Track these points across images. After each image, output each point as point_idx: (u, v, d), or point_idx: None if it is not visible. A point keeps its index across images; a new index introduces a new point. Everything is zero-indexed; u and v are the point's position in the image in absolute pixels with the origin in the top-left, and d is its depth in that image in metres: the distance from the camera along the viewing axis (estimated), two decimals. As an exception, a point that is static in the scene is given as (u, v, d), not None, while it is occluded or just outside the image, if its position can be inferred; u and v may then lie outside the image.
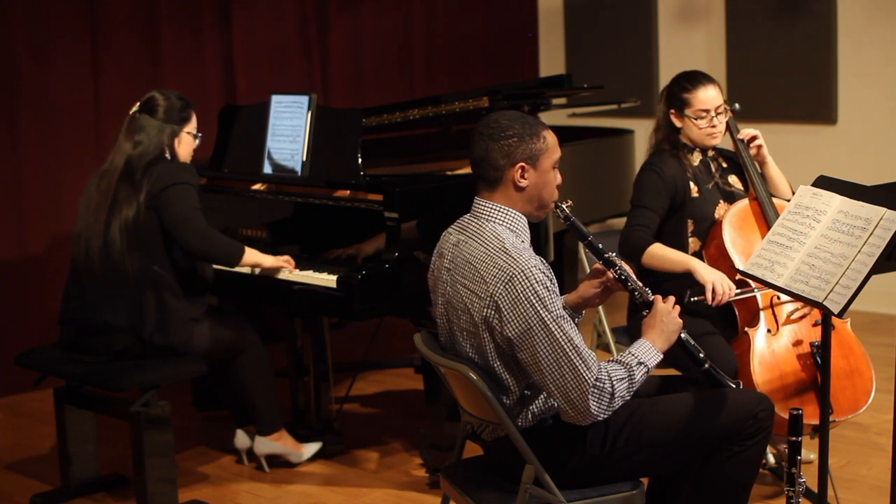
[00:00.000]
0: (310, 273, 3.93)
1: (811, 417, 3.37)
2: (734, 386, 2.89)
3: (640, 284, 2.88)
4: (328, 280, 3.84)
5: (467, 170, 4.58)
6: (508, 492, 2.72)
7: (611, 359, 2.70)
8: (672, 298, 2.83)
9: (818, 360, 3.38)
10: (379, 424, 4.74)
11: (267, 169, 4.36)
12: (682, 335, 2.84)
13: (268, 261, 3.98)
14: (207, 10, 5.88)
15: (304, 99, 4.28)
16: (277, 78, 6.13)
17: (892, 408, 2.92)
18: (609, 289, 2.95)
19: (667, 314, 2.79)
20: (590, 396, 2.57)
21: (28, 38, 5.21)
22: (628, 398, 2.66)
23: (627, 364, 2.66)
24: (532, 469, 2.64)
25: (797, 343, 3.52)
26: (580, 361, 2.57)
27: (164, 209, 3.76)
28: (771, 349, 3.49)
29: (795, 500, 2.93)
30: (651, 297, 2.84)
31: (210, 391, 4.73)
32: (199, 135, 4.01)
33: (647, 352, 2.71)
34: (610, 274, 2.89)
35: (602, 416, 2.61)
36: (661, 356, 2.74)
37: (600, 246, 2.89)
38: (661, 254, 3.57)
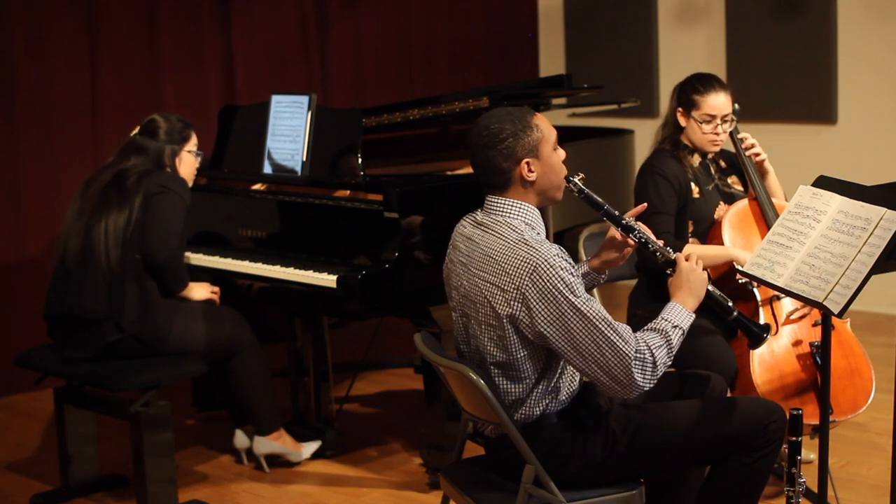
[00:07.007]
0: (310, 273, 3.93)
1: (811, 417, 3.37)
2: (765, 333, 2.89)
3: (661, 244, 2.87)
4: (328, 280, 3.84)
5: (467, 170, 4.59)
6: (508, 492, 2.72)
7: (645, 328, 2.69)
8: (694, 255, 2.82)
9: (818, 360, 3.38)
10: (379, 424, 4.74)
11: (267, 169, 4.36)
12: (709, 287, 2.83)
13: (197, 293, 3.98)
14: (207, 10, 5.87)
15: (304, 99, 4.28)
16: (277, 78, 6.13)
17: (892, 408, 2.92)
18: (629, 249, 2.95)
19: (692, 272, 2.78)
20: (633, 369, 2.57)
21: (25, 36, 5.20)
22: (669, 363, 2.65)
23: (663, 330, 2.66)
24: (532, 469, 2.64)
25: (797, 343, 3.52)
26: (617, 337, 2.57)
27: (151, 212, 3.79)
28: (771, 349, 3.49)
29: (795, 500, 2.93)
30: (673, 256, 2.83)
31: (210, 391, 4.73)
32: (201, 152, 4.04)
33: (680, 314, 2.71)
34: (630, 240, 2.89)
35: (648, 385, 2.60)
36: (694, 316, 2.73)
37: (617, 213, 2.88)
38: (697, 253, 3.55)
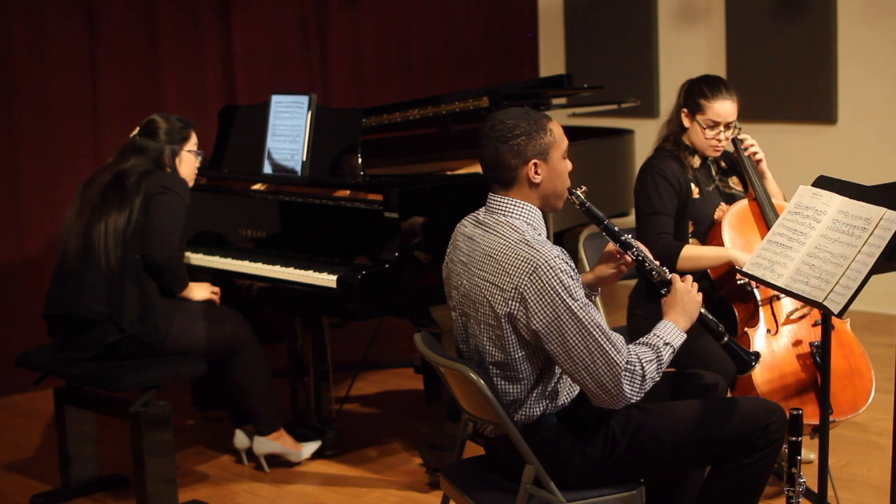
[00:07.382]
0: (310, 273, 3.93)
1: (811, 417, 3.37)
2: (753, 361, 2.89)
3: (658, 264, 2.87)
4: (328, 280, 3.84)
5: (467, 170, 4.59)
6: (508, 492, 2.72)
7: (637, 341, 2.70)
8: (690, 277, 2.83)
9: (818, 360, 3.38)
10: (379, 424, 4.74)
11: (267, 169, 4.36)
12: (701, 310, 2.84)
13: (197, 293, 3.97)
14: (207, 10, 5.87)
15: (304, 99, 4.28)
16: (277, 78, 6.13)
17: (892, 408, 2.92)
18: (625, 266, 2.95)
19: (686, 293, 2.80)
20: (623, 379, 2.58)
21: (25, 36, 5.20)
22: (658, 379, 2.67)
23: (654, 346, 2.67)
24: (532, 469, 2.64)
25: (797, 343, 3.52)
26: (610, 346, 2.58)
27: (151, 212, 3.79)
28: (771, 349, 3.49)
29: (795, 500, 2.93)
30: (669, 276, 2.84)
31: (210, 391, 4.74)
32: (201, 152, 4.04)
33: (671, 332, 2.72)
34: (628, 257, 2.89)
35: (636, 398, 2.62)
36: (685, 336, 2.75)
37: (616, 229, 2.89)
38: (696, 254, 3.55)
